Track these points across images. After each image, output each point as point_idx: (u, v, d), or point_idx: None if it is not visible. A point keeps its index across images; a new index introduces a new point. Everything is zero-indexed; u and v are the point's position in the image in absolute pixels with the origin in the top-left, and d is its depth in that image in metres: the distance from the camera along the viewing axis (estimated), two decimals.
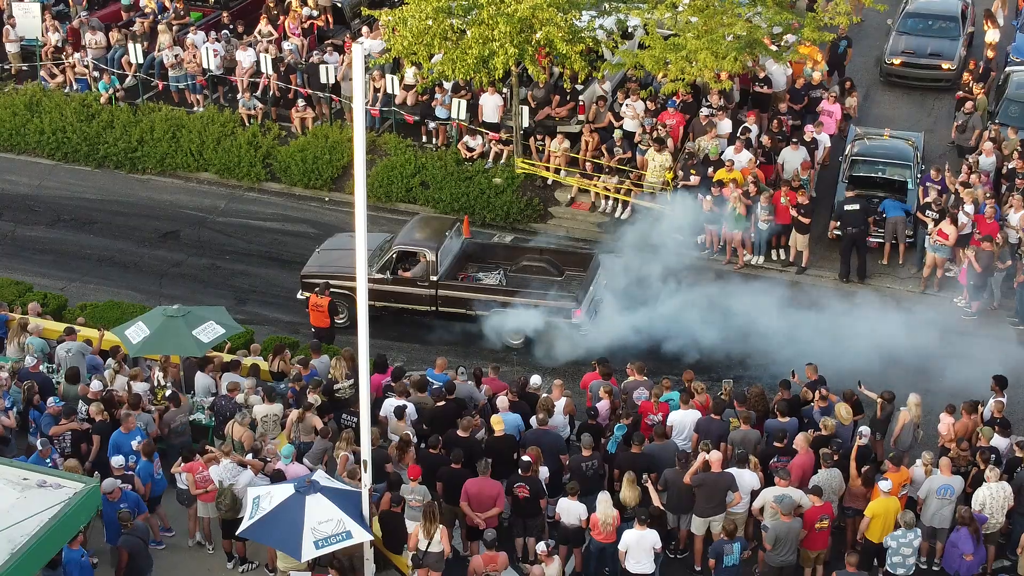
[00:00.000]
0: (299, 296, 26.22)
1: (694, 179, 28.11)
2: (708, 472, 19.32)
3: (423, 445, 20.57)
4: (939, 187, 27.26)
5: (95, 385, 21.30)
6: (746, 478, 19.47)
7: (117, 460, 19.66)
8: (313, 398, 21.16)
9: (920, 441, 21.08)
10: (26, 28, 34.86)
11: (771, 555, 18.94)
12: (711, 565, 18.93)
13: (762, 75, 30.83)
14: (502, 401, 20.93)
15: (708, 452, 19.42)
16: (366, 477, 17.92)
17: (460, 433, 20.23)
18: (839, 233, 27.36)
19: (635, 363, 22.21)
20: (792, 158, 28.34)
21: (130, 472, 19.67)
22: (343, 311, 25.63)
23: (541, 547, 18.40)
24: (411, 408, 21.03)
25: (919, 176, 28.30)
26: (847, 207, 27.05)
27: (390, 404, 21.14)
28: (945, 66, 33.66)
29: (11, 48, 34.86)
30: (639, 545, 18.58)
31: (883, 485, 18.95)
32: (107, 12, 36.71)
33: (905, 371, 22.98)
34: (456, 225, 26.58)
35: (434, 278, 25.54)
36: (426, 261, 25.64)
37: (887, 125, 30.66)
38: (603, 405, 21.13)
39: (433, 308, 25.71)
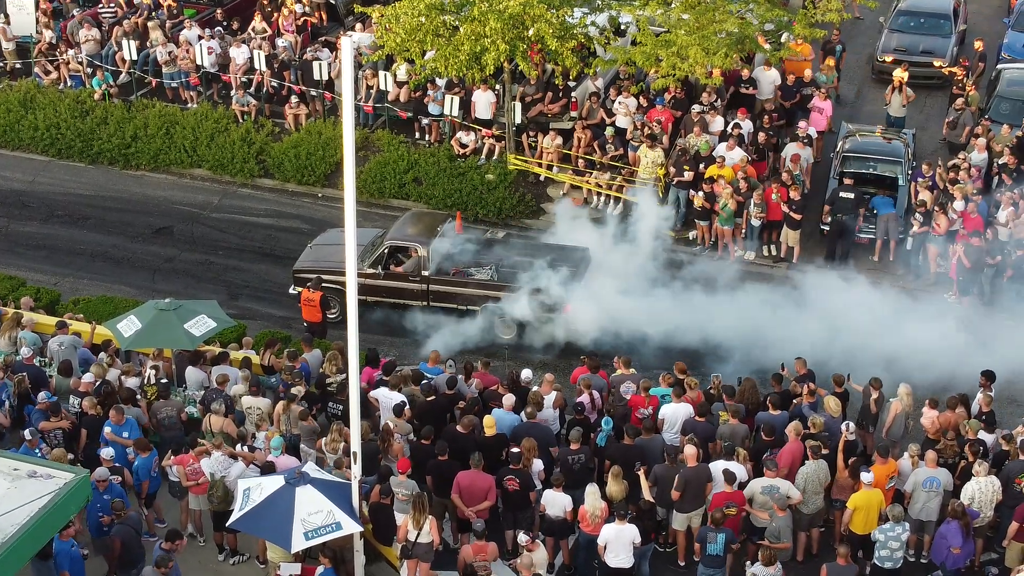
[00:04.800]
0: (291, 291, 26.30)
1: (688, 175, 28.21)
2: (686, 468, 19.42)
3: (414, 438, 20.68)
4: (930, 183, 27.42)
5: (88, 378, 21.39)
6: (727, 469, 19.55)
7: (107, 452, 19.74)
8: (297, 389, 21.24)
9: (912, 431, 21.20)
10: (20, 25, 34.91)
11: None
12: (696, 550, 19.03)
13: (746, 76, 30.87)
14: (508, 399, 20.98)
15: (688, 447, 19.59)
16: (356, 469, 17.99)
17: (460, 429, 20.29)
18: (826, 227, 27.53)
19: (622, 357, 22.31)
20: (794, 153, 28.48)
21: (119, 465, 19.74)
22: (335, 306, 25.69)
23: (523, 537, 18.47)
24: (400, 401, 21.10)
25: (910, 173, 28.44)
26: (841, 194, 27.28)
27: (386, 396, 21.21)
28: (937, 63, 33.79)
29: (6, 45, 34.90)
30: (618, 539, 18.65)
31: (865, 477, 19.05)
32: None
33: (893, 364, 22.98)
34: (449, 220, 26.72)
35: (426, 273, 25.64)
36: (418, 256, 25.74)
37: (879, 122, 30.82)
38: (585, 399, 21.20)
39: (425, 303, 25.79)
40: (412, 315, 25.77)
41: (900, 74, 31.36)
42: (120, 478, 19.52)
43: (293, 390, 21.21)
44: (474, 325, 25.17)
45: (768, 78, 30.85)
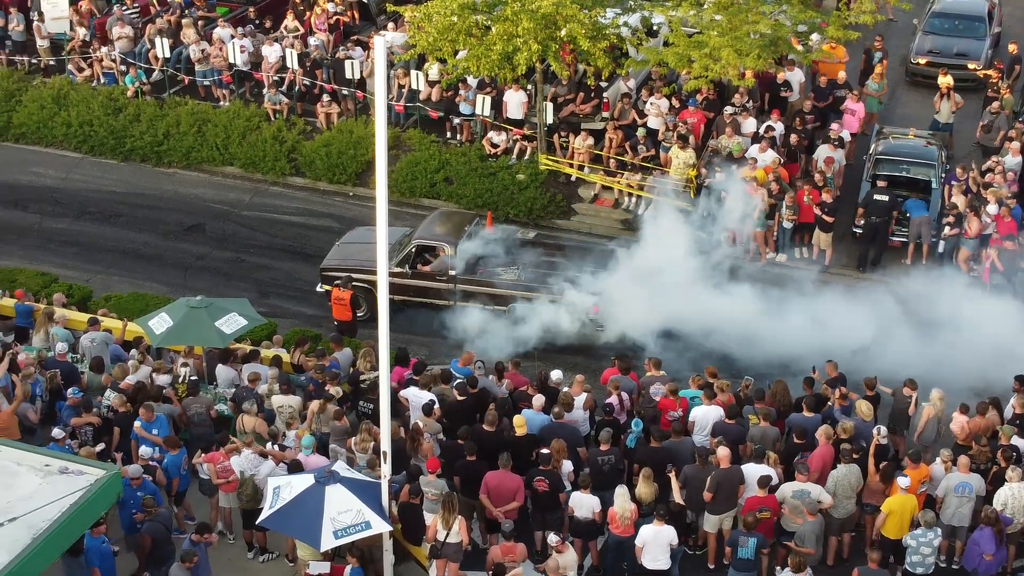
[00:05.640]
0: (318, 289, 26.33)
1: (719, 176, 28.10)
2: (719, 469, 19.34)
3: (443, 437, 20.66)
4: (964, 186, 27.24)
5: (131, 379, 21.48)
6: (763, 474, 19.45)
7: (145, 451, 19.81)
8: (335, 390, 21.25)
9: (943, 436, 21.05)
10: (54, 22, 35.10)
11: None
12: (727, 554, 18.95)
13: (781, 79, 30.76)
14: (538, 400, 20.93)
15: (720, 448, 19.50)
16: (385, 468, 17.98)
17: (486, 428, 20.28)
18: (859, 230, 27.36)
19: (652, 358, 22.24)
20: (827, 155, 28.32)
21: (154, 464, 19.79)
22: (363, 304, 25.69)
23: (553, 538, 18.43)
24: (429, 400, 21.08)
25: (943, 176, 28.26)
26: (875, 196, 27.09)
27: (415, 396, 21.19)
28: (971, 66, 33.58)
29: (40, 42, 35.09)
30: (656, 541, 18.58)
31: (902, 481, 18.93)
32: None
33: (922, 368, 22.82)
34: (477, 220, 26.69)
35: (453, 273, 25.61)
36: (445, 256, 25.71)
37: (912, 125, 30.63)
38: (614, 400, 21.14)
39: (452, 303, 25.76)
40: (440, 315, 25.75)
41: (945, 80, 31.03)
42: (151, 476, 19.55)
43: (331, 390, 21.23)
44: (502, 325, 25.13)
45: (794, 78, 30.75)
